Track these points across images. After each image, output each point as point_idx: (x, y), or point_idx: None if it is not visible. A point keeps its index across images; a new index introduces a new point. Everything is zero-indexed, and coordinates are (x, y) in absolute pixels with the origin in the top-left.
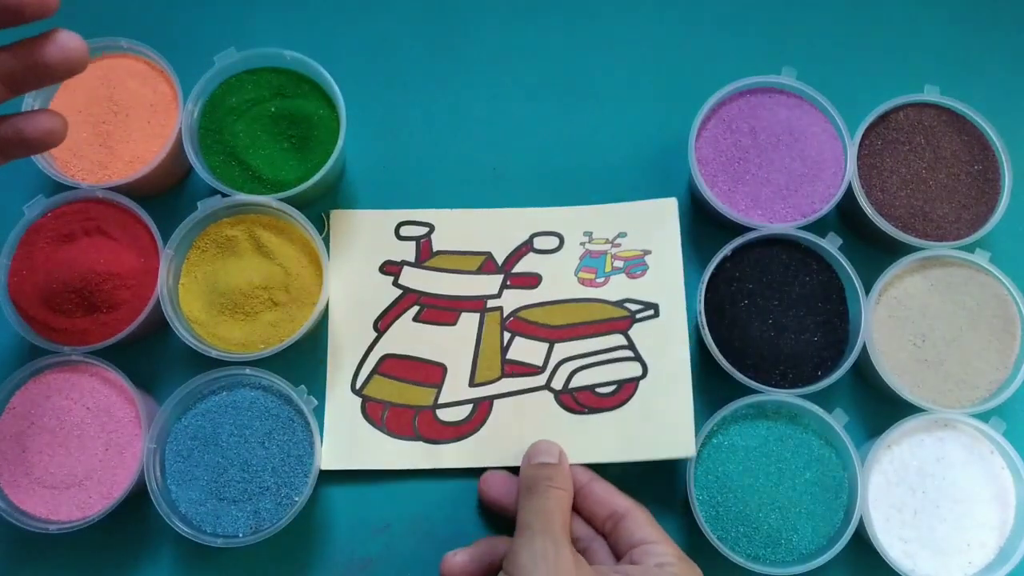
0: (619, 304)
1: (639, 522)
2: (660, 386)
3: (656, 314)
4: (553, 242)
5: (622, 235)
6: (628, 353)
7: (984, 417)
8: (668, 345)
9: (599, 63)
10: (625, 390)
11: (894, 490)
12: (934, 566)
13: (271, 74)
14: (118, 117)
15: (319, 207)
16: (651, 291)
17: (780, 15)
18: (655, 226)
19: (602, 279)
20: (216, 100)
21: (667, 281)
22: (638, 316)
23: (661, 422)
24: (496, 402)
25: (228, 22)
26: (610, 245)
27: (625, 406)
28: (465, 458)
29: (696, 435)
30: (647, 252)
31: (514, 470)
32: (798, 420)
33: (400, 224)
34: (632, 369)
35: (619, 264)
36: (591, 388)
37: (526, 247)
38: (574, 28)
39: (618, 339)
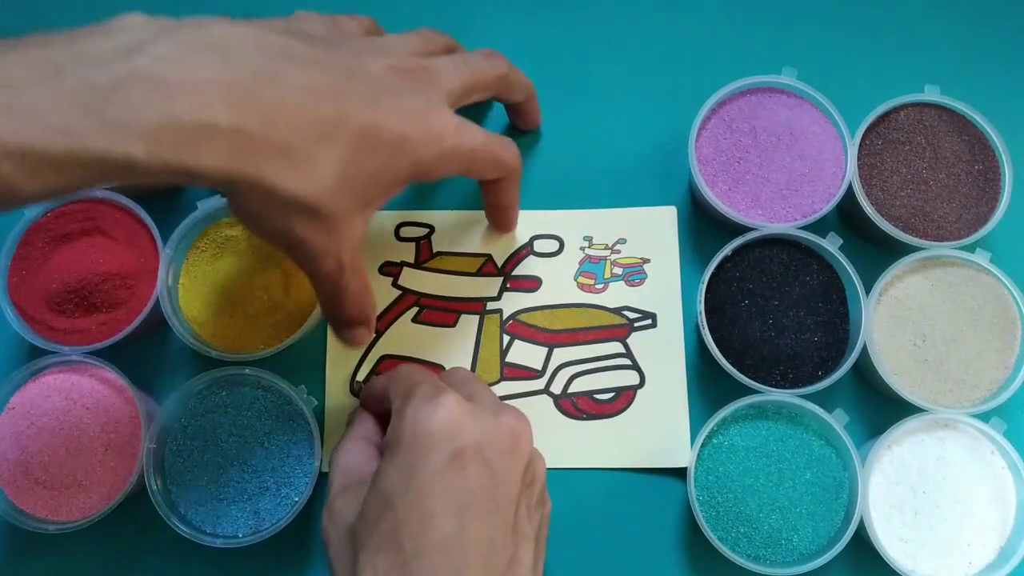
0: (617, 312)
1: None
2: (657, 397)
3: (654, 324)
4: (553, 245)
5: (622, 241)
6: (626, 361)
7: (985, 417)
8: (665, 356)
9: (599, 62)
10: (624, 398)
11: (894, 490)
12: (934, 566)
13: None
14: None
15: None
16: (649, 300)
17: (780, 15)
18: (654, 234)
19: (601, 285)
20: None
21: (665, 291)
22: (636, 325)
23: (658, 432)
24: None
25: None
26: (609, 251)
27: (623, 414)
28: None
29: (694, 440)
30: (646, 260)
31: None
32: (798, 420)
33: (399, 225)
34: (630, 377)
35: (618, 271)
36: (590, 394)
37: (526, 250)
38: (573, 28)
39: (616, 347)
